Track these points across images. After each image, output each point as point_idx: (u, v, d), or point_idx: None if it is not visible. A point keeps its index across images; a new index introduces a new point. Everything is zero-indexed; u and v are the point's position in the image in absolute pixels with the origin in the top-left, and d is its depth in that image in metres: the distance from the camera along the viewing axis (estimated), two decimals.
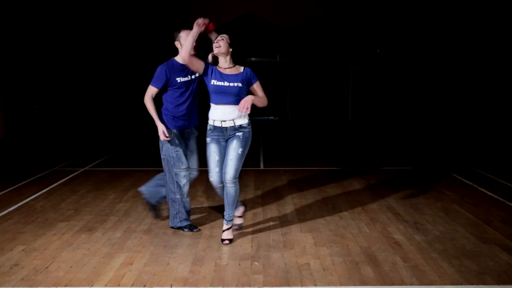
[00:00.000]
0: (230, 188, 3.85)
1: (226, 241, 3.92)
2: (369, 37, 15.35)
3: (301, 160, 8.00)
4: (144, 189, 4.46)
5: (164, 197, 4.39)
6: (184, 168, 4.10)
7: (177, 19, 14.72)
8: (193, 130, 4.27)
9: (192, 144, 4.27)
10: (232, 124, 3.82)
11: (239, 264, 3.48)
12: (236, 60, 3.99)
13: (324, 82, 15.58)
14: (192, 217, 4.69)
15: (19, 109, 11.96)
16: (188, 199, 4.24)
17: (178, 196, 4.13)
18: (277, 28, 15.65)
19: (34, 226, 4.39)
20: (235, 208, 4.07)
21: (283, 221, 4.52)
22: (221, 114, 3.82)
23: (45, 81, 13.15)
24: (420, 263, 3.48)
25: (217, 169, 3.91)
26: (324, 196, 5.47)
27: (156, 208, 4.52)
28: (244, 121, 3.86)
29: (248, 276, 3.27)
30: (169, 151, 4.09)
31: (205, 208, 5.01)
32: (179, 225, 4.22)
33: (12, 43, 11.59)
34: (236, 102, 3.79)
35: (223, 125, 3.83)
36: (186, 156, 4.17)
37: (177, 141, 4.09)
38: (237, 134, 3.84)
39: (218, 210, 4.92)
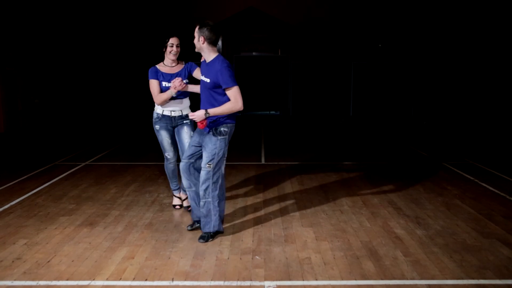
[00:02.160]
0: None
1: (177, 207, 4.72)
2: (370, 31, 15.30)
3: (302, 154, 7.99)
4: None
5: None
6: (182, 157, 4.19)
7: (178, 13, 14.69)
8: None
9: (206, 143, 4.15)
10: (181, 113, 4.48)
11: (240, 258, 3.49)
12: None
13: (326, 76, 15.54)
14: None
15: (20, 103, 11.95)
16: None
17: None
18: (279, 23, 15.61)
19: (36, 220, 4.41)
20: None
21: (284, 216, 4.53)
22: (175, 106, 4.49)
23: (46, 75, 13.14)
24: (421, 257, 3.48)
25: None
26: (325, 190, 5.47)
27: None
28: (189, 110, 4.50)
29: (249, 270, 3.28)
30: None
31: None
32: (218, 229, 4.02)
33: (13, 37, 11.57)
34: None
35: (173, 114, 4.47)
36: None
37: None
38: (185, 121, 4.49)
39: None
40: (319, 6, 15.32)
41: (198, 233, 4.02)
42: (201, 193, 3.86)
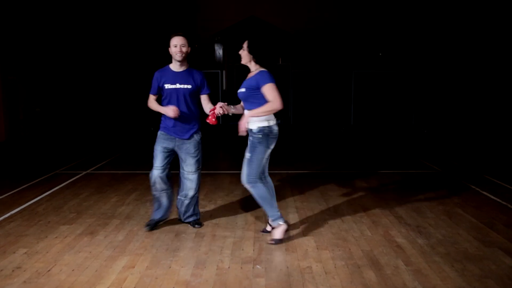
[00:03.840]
0: (249, 191, 4.04)
1: (271, 241, 3.97)
2: (371, 40, 15.35)
3: (303, 163, 7.99)
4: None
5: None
6: (155, 166, 4.22)
7: (180, 22, 14.77)
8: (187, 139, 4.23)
9: (188, 148, 4.25)
10: (247, 126, 3.89)
11: (241, 268, 3.48)
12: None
13: (327, 85, 15.58)
14: None
15: (22, 112, 11.99)
16: (156, 195, 4.33)
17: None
18: (280, 32, 15.68)
19: (36, 229, 4.40)
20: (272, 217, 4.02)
21: None
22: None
23: (48, 84, 13.19)
24: (422, 266, 3.47)
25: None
26: (326, 199, 5.46)
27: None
28: (253, 126, 3.86)
29: (250, 280, 3.27)
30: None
31: (207, 212, 5.01)
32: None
33: (15, 46, 11.64)
34: (250, 107, 3.88)
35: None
36: (181, 159, 4.29)
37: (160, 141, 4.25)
38: (250, 138, 3.94)
39: (220, 214, 4.91)
40: (320, 15, 15.40)
41: (199, 242, 4.02)
42: (194, 193, 4.32)
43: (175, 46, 4.08)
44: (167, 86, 4.15)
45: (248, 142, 3.96)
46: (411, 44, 14.98)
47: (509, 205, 5.14)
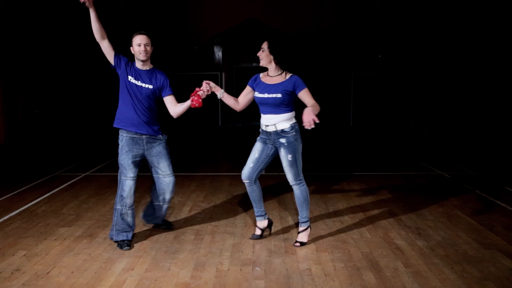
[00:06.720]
0: (295, 191, 4.01)
1: (297, 244, 3.97)
2: (370, 42, 15.37)
3: (302, 165, 7.98)
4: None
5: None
6: (130, 177, 4.06)
7: (179, 24, 14.79)
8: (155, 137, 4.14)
9: (158, 149, 4.17)
10: (274, 129, 3.85)
11: (241, 270, 3.48)
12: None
13: (326, 87, 15.58)
14: (193, 222, 4.69)
15: (21, 114, 11.98)
16: (130, 212, 4.04)
17: (118, 207, 4.03)
18: (279, 34, 15.71)
19: (36, 231, 4.40)
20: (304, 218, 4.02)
21: (285, 227, 4.52)
22: (265, 121, 3.90)
23: (47, 86, 13.18)
24: (422, 268, 3.47)
25: (251, 165, 4.04)
26: (325, 201, 5.46)
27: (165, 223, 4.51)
28: (285, 125, 3.84)
29: (249, 282, 3.26)
30: (119, 157, 4.13)
31: (206, 214, 5.01)
32: (114, 238, 4.00)
33: (14, 47, 11.64)
34: (277, 111, 3.82)
35: (267, 130, 3.89)
36: (150, 163, 4.20)
37: (127, 148, 4.11)
38: (281, 141, 3.85)
39: (219, 216, 4.92)
40: (319, 17, 15.43)
41: (198, 244, 4.01)
42: (170, 197, 4.26)
43: (139, 45, 3.98)
44: (130, 78, 4.02)
45: (282, 145, 3.86)
46: (410, 45, 15.00)
47: (508, 207, 5.15)
